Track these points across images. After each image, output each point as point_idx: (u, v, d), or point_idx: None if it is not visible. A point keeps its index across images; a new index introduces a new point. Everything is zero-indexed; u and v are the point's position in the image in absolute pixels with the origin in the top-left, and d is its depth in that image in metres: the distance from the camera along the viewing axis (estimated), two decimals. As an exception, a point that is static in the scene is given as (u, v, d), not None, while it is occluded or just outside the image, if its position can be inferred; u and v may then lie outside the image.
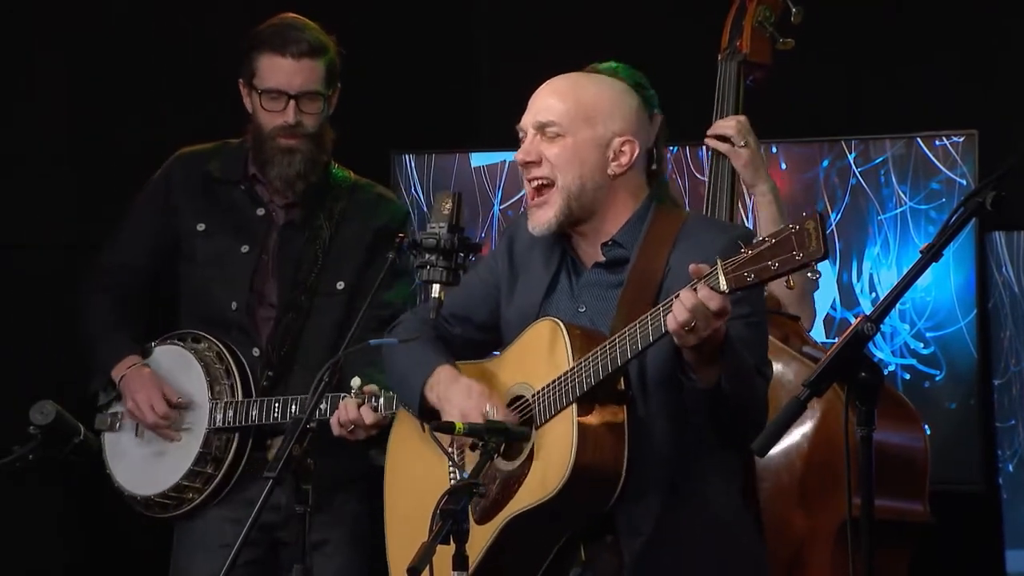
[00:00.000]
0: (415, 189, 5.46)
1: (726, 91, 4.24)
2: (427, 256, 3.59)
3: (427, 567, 3.16)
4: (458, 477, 3.64)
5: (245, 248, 4.51)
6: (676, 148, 5.21)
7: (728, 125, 4.18)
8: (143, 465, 4.51)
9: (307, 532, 3.46)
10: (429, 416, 3.68)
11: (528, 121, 3.61)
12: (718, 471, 3.56)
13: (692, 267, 3.30)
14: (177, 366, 4.51)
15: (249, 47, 4.51)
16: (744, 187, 4.21)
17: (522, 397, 3.58)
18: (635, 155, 3.58)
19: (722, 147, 4.19)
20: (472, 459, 3.56)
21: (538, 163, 3.57)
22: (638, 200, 3.61)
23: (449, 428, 3.42)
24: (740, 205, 4.96)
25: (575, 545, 3.52)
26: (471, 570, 3.31)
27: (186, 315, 4.57)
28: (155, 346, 4.56)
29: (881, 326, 3.12)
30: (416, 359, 3.69)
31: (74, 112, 5.13)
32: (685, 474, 3.50)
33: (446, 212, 3.61)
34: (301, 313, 4.48)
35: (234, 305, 4.48)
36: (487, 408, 3.55)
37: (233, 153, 4.58)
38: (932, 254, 3.19)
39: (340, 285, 4.50)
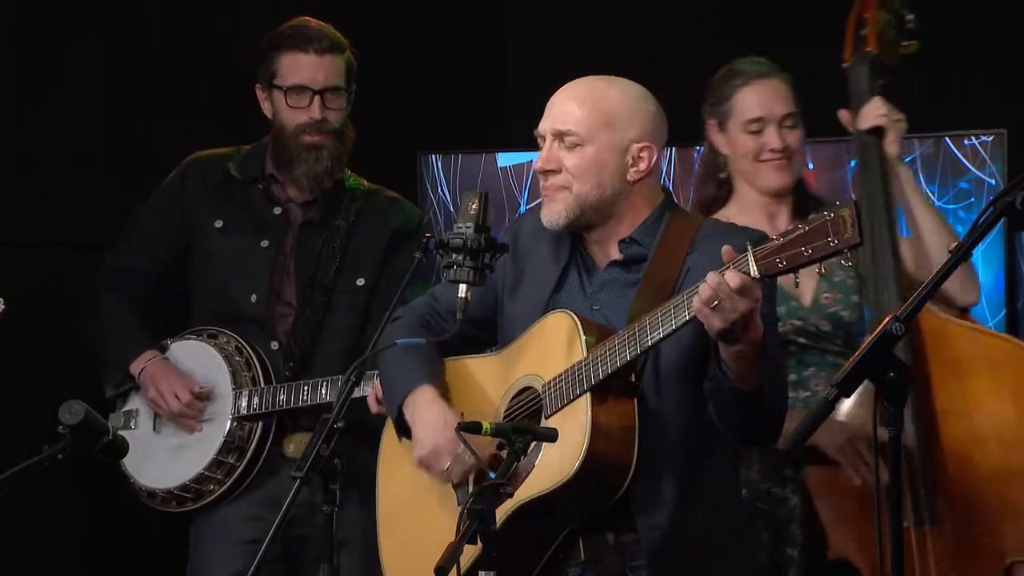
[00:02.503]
0: (441, 189, 5.46)
1: (861, 92, 4.17)
2: (454, 256, 3.59)
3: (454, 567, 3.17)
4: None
5: (265, 243, 4.54)
6: (702, 148, 5.20)
7: (879, 104, 4.12)
8: (162, 459, 4.54)
9: (334, 531, 3.46)
10: (405, 430, 3.72)
11: (546, 127, 3.62)
12: (727, 465, 3.61)
13: (725, 248, 3.31)
14: (196, 359, 4.55)
15: (267, 49, 4.54)
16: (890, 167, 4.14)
17: (530, 388, 3.60)
18: (653, 161, 3.60)
19: (882, 121, 4.11)
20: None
21: (556, 171, 3.59)
22: (653, 205, 3.63)
23: (476, 428, 3.42)
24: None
25: (574, 540, 3.54)
26: (475, 556, 3.30)
27: (200, 312, 4.60)
28: (171, 342, 4.60)
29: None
30: (404, 368, 3.72)
31: (109, 110, 5.14)
32: (698, 467, 3.52)
33: (473, 212, 3.61)
34: (320, 309, 4.51)
35: (254, 298, 4.51)
36: (460, 449, 3.58)
37: (250, 155, 4.62)
38: (961, 254, 3.18)
39: (360, 282, 4.53)
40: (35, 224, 5.00)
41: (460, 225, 3.60)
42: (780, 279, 3.36)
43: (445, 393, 3.71)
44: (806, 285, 4.08)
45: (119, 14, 5.15)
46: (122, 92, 5.16)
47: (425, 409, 3.67)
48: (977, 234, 3.22)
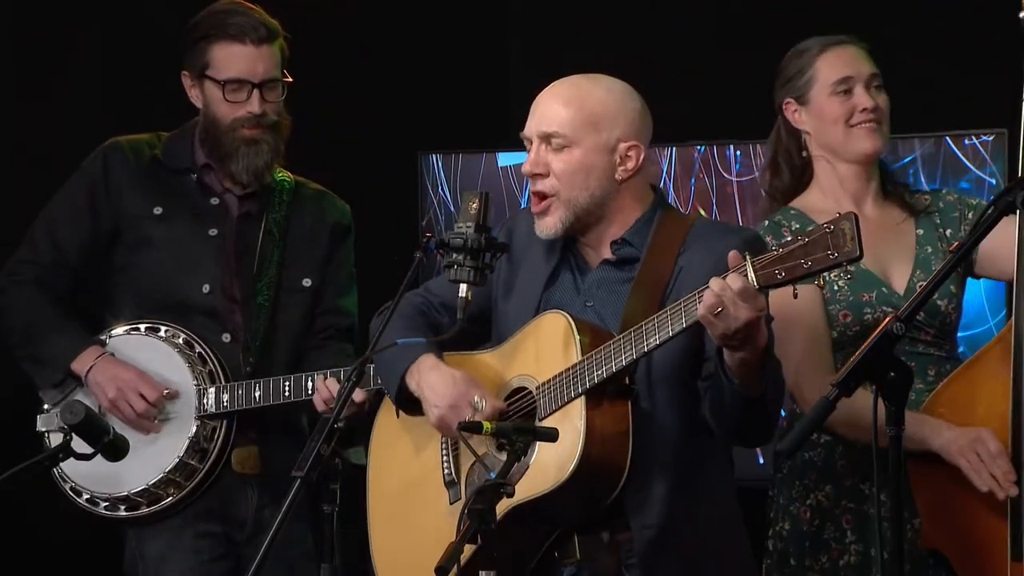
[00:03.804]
0: (442, 189, 5.46)
1: None
2: (454, 256, 3.59)
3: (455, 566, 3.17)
4: (452, 471, 3.67)
5: (213, 231, 4.32)
6: (703, 147, 5.20)
7: None
8: (110, 463, 4.07)
9: (334, 533, 3.46)
10: (408, 404, 3.69)
11: (532, 130, 3.61)
12: (721, 464, 3.61)
13: (732, 253, 3.31)
14: (146, 355, 4.26)
15: (198, 37, 4.32)
16: None
17: (524, 389, 3.60)
18: (640, 159, 3.59)
19: None
20: (466, 454, 3.61)
21: (545, 175, 3.59)
22: (644, 205, 3.63)
23: (477, 428, 3.42)
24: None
25: (569, 539, 3.54)
26: (467, 558, 3.28)
27: (131, 307, 4.31)
28: (108, 338, 4.30)
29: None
30: (400, 349, 3.67)
31: (109, 110, 5.14)
32: (691, 467, 3.53)
33: (473, 212, 3.61)
34: (269, 305, 4.32)
35: (206, 288, 4.28)
36: (475, 398, 3.57)
37: (175, 142, 4.40)
38: (962, 253, 3.19)
39: (306, 283, 4.37)
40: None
41: (460, 225, 3.60)
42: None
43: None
44: (899, 271, 3.93)
45: (119, 14, 5.15)
46: (122, 91, 5.16)
47: (429, 372, 3.64)
48: (978, 234, 3.23)
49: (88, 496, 4.26)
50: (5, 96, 5.04)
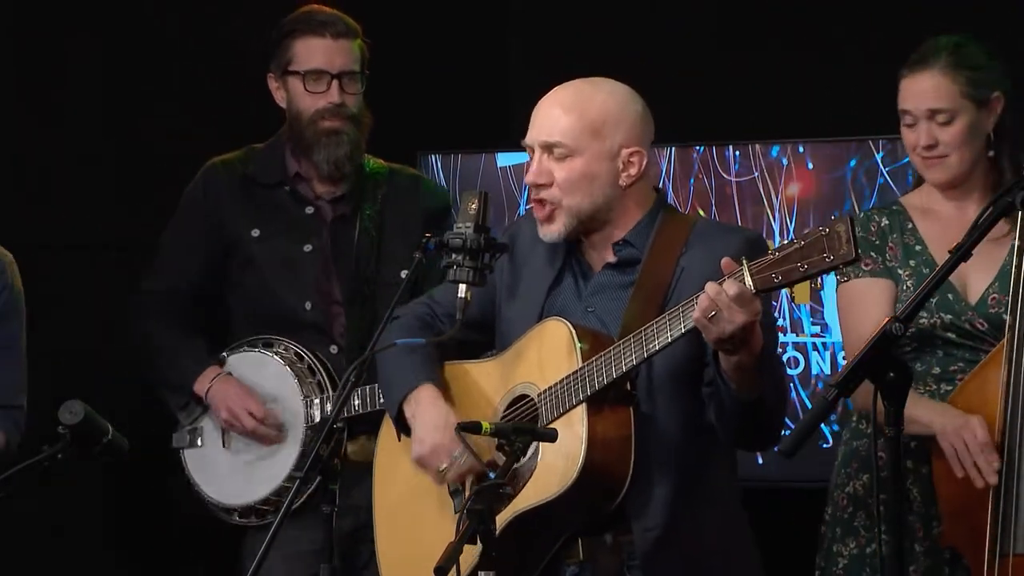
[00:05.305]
0: (442, 189, 5.45)
1: None
2: (454, 256, 3.59)
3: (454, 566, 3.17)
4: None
5: (308, 248, 4.48)
6: (702, 148, 5.20)
7: None
8: (237, 475, 4.46)
9: (333, 532, 3.46)
10: (403, 427, 3.71)
11: (534, 139, 3.60)
12: (724, 467, 3.61)
13: (724, 260, 3.32)
14: (258, 370, 4.46)
15: (280, 36, 4.50)
16: None
17: (526, 396, 3.60)
18: (643, 164, 3.59)
19: None
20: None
21: (547, 185, 3.58)
22: (646, 207, 3.63)
23: (475, 428, 3.42)
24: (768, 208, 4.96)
25: (572, 540, 3.54)
26: (472, 566, 3.30)
27: (246, 322, 4.52)
28: (227, 355, 4.52)
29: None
30: (405, 367, 3.71)
31: (110, 110, 5.14)
32: (693, 470, 3.53)
33: (472, 212, 3.61)
34: (368, 306, 4.46)
35: (308, 305, 4.45)
36: (456, 452, 3.59)
37: (266, 155, 4.55)
38: (961, 254, 3.18)
39: (404, 274, 4.40)
40: (34, 224, 5.00)
41: (460, 225, 3.61)
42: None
43: (445, 394, 3.71)
44: (979, 280, 3.89)
45: (119, 13, 5.15)
46: (122, 91, 5.16)
47: (427, 408, 3.67)
48: (977, 234, 3.23)
49: (225, 508, 4.49)
50: (5, 96, 5.04)
